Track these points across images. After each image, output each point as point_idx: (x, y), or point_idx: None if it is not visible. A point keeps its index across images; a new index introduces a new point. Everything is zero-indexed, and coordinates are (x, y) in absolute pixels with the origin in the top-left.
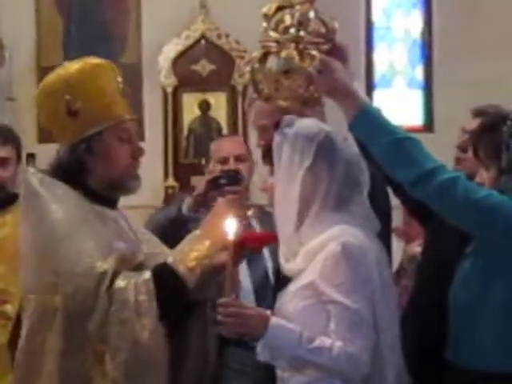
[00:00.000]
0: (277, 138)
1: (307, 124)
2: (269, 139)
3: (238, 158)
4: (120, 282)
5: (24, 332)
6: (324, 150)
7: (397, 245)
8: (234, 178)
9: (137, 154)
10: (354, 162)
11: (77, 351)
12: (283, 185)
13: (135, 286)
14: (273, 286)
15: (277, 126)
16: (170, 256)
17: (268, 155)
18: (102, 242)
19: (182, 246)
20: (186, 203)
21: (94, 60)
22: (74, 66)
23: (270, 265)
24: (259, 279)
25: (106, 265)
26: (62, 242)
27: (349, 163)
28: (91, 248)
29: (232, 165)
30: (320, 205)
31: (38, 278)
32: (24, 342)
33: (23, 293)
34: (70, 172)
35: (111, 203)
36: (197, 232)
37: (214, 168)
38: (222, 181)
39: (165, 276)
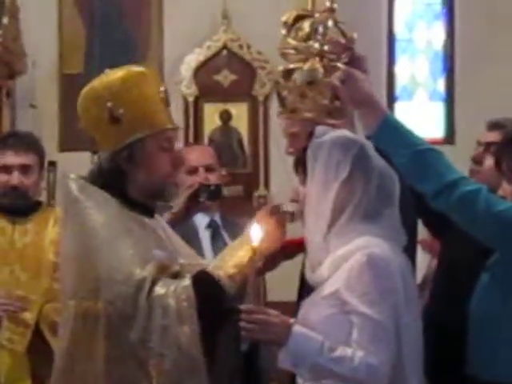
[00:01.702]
0: (311, 149)
1: (342, 135)
2: (299, 147)
3: (208, 168)
4: (159, 289)
5: (64, 337)
6: (359, 161)
7: (422, 257)
8: (216, 192)
9: (177, 163)
10: (387, 174)
11: (121, 357)
12: (316, 196)
13: (175, 292)
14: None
15: (310, 136)
16: (208, 264)
17: (300, 164)
18: (141, 249)
19: (224, 253)
20: (165, 219)
21: (137, 68)
22: (116, 74)
23: None
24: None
25: (144, 272)
26: (103, 249)
27: (382, 175)
28: (131, 255)
29: (202, 175)
30: (349, 215)
31: (78, 283)
32: (66, 347)
33: (62, 298)
34: (110, 179)
35: (149, 212)
36: (238, 239)
37: (184, 178)
38: (203, 195)
39: (204, 283)
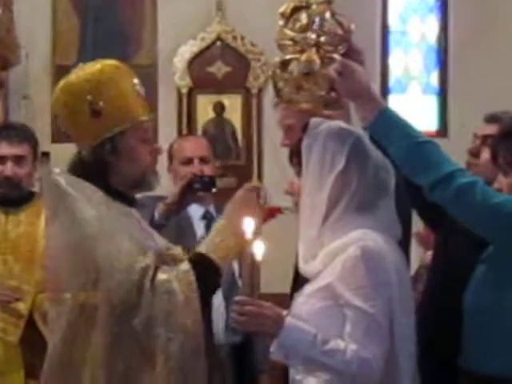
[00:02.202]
0: (306, 140)
1: (337, 126)
2: (294, 139)
3: (203, 159)
4: (161, 275)
5: (59, 331)
6: (355, 153)
7: (415, 250)
8: (209, 184)
9: (155, 153)
10: (383, 165)
11: (123, 346)
12: (311, 188)
13: (177, 277)
14: (240, 288)
15: (305, 127)
16: (199, 247)
17: (295, 156)
18: (135, 238)
19: (211, 237)
20: (158, 210)
21: (111, 61)
22: (93, 67)
23: (236, 267)
24: (227, 282)
25: (147, 259)
26: (100, 240)
27: (378, 166)
28: (129, 244)
29: (196, 166)
30: (344, 207)
31: (74, 276)
32: (60, 339)
33: (57, 293)
34: (92, 171)
35: (130, 202)
36: (222, 222)
37: (178, 169)
38: (197, 186)
39: (202, 266)
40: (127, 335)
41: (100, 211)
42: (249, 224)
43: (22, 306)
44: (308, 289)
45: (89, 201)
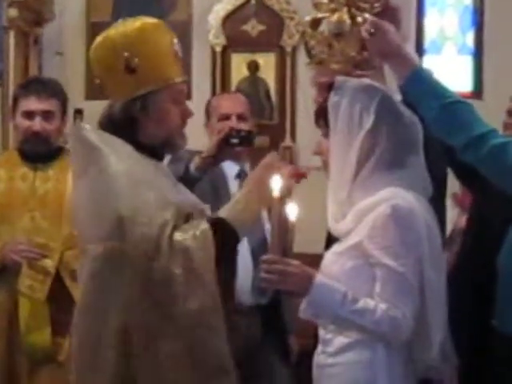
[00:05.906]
0: (333, 99)
1: (364, 83)
2: (327, 97)
3: (240, 117)
4: (180, 234)
5: (84, 280)
6: (383, 109)
7: (451, 211)
8: (247, 138)
9: (186, 115)
10: (411, 121)
11: (142, 299)
12: (340, 147)
13: (194, 236)
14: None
15: (330, 87)
16: (222, 211)
17: (321, 117)
18: (160, 193)
19: (234, 203)
20: (194, 163)
21: (152, 20)
22: (133, 24)
23: (268, 227)
24: (258, 241)
25: (166, 214)
26: (125, 194)
27: (406, 123)
28: (153, 198)
29: (234, 123)
30: (374, 165)
31: (99, 227)
32: (85, 288)
33: (81, 244)
34: (121, 128)
35: (159, 156)
36: (246, 188)
37: (215, 125)
38: (234, 140)
39: (221, 229)
40: (145, 289)
41: (128, 165)
42: (276, 182)
43: (49, 264)
44: (337, 247)
45: (118, 155)
